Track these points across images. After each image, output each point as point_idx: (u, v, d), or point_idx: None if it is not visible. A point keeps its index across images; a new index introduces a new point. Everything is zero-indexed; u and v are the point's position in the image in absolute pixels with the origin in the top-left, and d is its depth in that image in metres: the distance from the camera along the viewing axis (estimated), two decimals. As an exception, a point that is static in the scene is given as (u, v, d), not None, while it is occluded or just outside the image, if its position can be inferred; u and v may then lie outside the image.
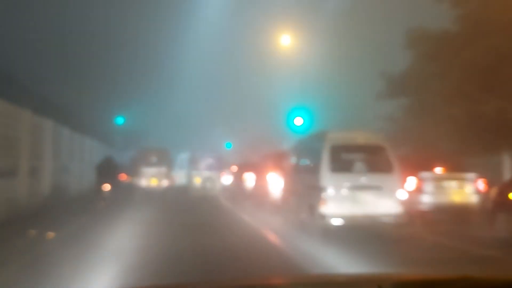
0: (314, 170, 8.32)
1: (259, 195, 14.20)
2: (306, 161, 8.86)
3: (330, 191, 7.79)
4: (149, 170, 16.97)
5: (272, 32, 27.23)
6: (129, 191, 18.31)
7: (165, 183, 17.09)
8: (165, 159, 17.29)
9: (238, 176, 18.47)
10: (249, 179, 17.19)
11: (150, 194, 17.25)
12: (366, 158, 8.10)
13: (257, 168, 15.15)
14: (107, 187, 19.05)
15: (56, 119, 15.20)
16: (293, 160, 10.04)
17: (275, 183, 12.61)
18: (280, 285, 2.44)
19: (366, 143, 8.24)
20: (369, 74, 29.09)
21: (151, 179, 16.99)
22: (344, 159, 8.10)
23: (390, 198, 7.87)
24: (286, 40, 24.08)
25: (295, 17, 27.70)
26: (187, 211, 13.80)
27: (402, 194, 8.10)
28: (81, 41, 29.19)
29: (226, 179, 21.03)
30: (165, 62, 37.55)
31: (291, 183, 9.81)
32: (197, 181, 18.83)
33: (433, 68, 12.38)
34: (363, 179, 7.89)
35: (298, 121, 24.08)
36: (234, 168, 20.06)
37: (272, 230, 9.44)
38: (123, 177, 25.69)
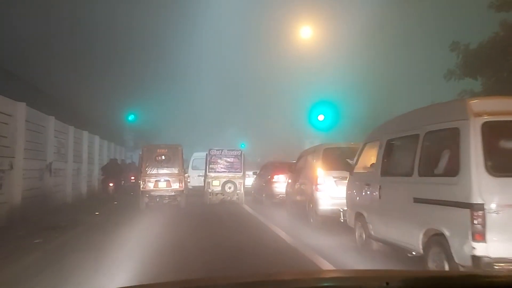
0: (444, 172, 4.24)
1: (297, 204, 10.13)
2: (414, 156, 4.73)
3: (490, 212, 3.70)
4: (157, 171, 13.00)
5: (291, 24, 23.57)
6: (134, 195, 14.36)
7: (176, 186, 13.08)
8: (177, 158, 13.29)
9: (265, 179, 14.43)
10: (280, 183, 13.16)
11: (158, 200, 13.29)
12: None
13: (292, 169, 11.08)
14: (111, 190, 16.24)
15: (39, 106, 11.38)
16: (375, 154, 5.92)
17: (326, 189, 8.54)
18: (288, 280, 2.14)
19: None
20: (409, 58, 25.12)
21: (159, 181, 13.01)
22: (509, 149, 4.00)
23: None
24: (306, 33, 20.38)
25: (314, 6, 23.88)
26: (203, 227, 9.79)
27: None
28: (92, 37, 25.53)
29: (249, 182, 17.02)
30: (179, 60, 33.72)
31: (373, 192, 5.70)
32: (215, 184, 14.53)
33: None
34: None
35: (321, 117, 20.53)
36: (260, 169, 16.06)
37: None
38: (132, 179, 21.96)
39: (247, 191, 15.85)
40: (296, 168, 10.68)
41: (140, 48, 29.33)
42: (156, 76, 31.95)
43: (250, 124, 37.46)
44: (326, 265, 5.59)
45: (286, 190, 11.54)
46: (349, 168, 6.57)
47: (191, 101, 35.95)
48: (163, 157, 13.18)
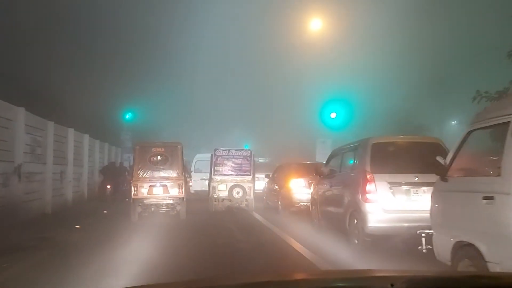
0: None
1: (330, 217, 7.69)
2: None
3: None
4: (151, 175, 10.57)
5: (301, 16, 21.36)
6: (129, 202, 11.88)
7: (175, 192, 10.64)
8: (176, 158, 10.85)
9: (280, 184, 11.99)
10: (301, 188, 10.78)
11: (153, 209, 10.82)
12: None
13: (320, 172, 8.63)
14: (108, 192, 15.38)
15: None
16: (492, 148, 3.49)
17: (379, 200, 6.11)
18: (291, 281, 2.10)
19: None
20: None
21: (154, 187, 10.57)
22: None
23: None
24: (316, 25, 18.15)
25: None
26: (209, 248, 7.32)
27: None
28: (84, 28, 23.16)
29: (260, 186, 14.68)
30: (181, 56, 31.25)
31: (501, 212, 3.26)
32: (222, 189, 12.27)
33: None
34: None
35: (334, 115, 19.09)
36: (273, 172, 13.63)
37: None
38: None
39: (258, 197, 13.61)
40: (327, 170, 8.24)
41: (139, 43, 26.92)
42: (156, 72, 29.51)
43: (255, 124, 35.04)
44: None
45: (312, 198, 9.08)
46: (441, 170, 4.11)
47: (193, 100, 33.57)
48: (159, 158, 10.74)
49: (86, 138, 15.31)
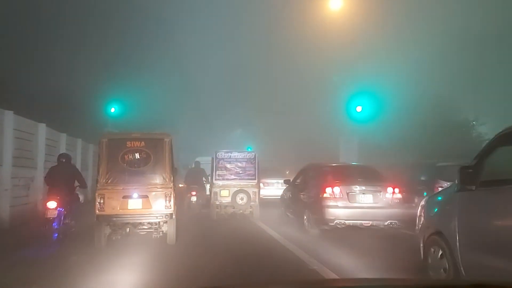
0: None
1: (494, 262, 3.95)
2: None
3: None
4: (124, 181, 7.02)
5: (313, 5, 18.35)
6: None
7: (159, 206, 7.05)
8: (161, 157, 7.19)
9: (306, 192, 8.57)
10: (337, 200, 7.44)
11: (128, 231, 7.17)
12: None
13: (466, 180, 4.22)
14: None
15: None
16: None
17: None
18: None
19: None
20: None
21: (129, 198, 7.02)
22: None
23: None
24: (335, 4, 15.67)
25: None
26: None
27: None
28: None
29: (271, 192, 13.29)
30: (181, 45, 27.52)
31: None
32: (224, 194, 11.00)
33: None
34: None
35: (360, 108, 17.60)
36: (296, 176, 10.30)
37: None
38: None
39: (276, 204, 11.75)
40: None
41: (134, 35, 23.34)
42: (149, 63, 25.90)
43: (259, 124, 31.48)
44: None
45: (425, 226, 5.18)
46: None
47: (192, 98, 30.06)
48: (136, 156, 7.13)
49: (42, 128, 10.94)
